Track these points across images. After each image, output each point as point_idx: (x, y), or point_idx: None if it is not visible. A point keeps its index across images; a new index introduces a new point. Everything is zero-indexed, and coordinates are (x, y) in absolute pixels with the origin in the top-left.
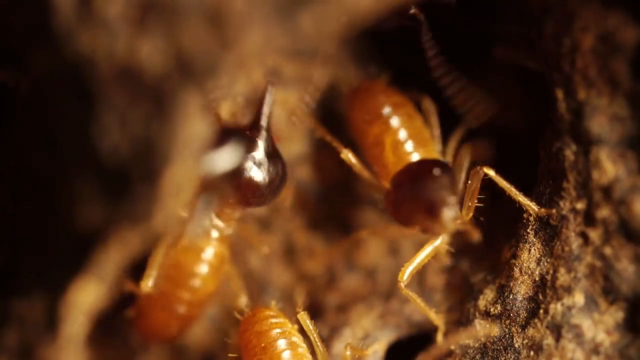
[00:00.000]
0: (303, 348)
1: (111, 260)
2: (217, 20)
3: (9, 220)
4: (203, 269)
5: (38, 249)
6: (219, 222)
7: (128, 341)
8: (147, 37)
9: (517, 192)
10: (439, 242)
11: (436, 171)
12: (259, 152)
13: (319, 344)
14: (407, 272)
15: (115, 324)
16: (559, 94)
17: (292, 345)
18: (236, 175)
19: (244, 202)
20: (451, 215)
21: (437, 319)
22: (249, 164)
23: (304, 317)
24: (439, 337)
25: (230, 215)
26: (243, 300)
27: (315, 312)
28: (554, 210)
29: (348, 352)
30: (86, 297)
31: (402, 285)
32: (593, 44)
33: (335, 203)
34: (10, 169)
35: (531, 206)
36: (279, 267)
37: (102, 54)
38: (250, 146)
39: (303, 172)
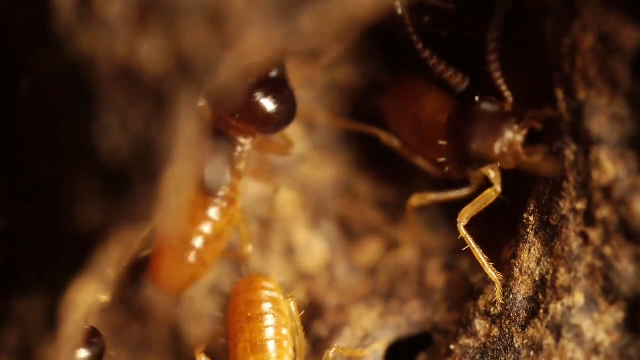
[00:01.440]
0: (287, 330)
1: (111, 260)
2: (217, 20)
3: (9, 220)
4: (218, 199)
5: (38, 249)
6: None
7: (128, 340)
8: (147, 37)
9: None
10: (496, 188)
11: (477, 100)
12: (271, 76)
13: (300, 331)
14: (466, 214)
15: (115, 323)
16: (559, 94)
17: (277, 323)
18: (248, 97)
19: (254, 125)
20: (514, 129)
21: (494, 273)
22: (261, 87)
23: (289, 304)
24: (498, 292)
25: (243, 146)
26: (249, 248)
27: (315, 312)
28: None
29: (332, 354)
30: (86, 297)
31: (461, 225)
32: (593, 44)
33: (335, 203)
34: (10, 169)
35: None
36: (278, 267)
37: (102, 54)
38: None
39: (303, 172)
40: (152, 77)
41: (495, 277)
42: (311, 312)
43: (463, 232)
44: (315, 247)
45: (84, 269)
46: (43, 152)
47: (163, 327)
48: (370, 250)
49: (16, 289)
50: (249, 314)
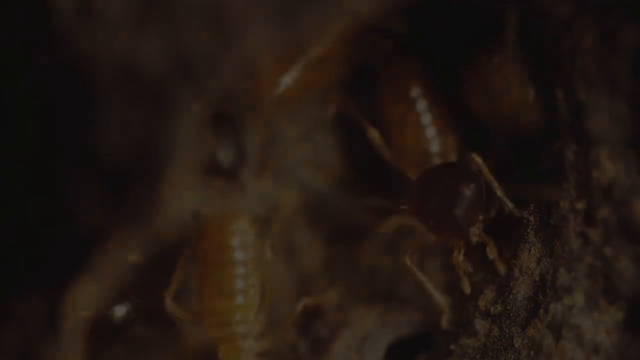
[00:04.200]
0: (252, 266)
1: (111, 260)
2: (217, 20)
3: (9, 219)
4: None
5: (38, 249)
6: None
7: (128, 341)
8: (147, 37)
9: (498, 186)
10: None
11: (467, 189)
12: None
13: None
14: (409, 249)
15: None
16: (559, 94)
17: (246, 261)
18: None
19: None
20: (477, 231)
21: (442, 300)
22: None
23: (262, 243)
24: (444, 322)
25: None
26: None
27: (315, 312)
28: (524, 213)
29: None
30: (86, 297)
31: (407, 259)
32: (593, 44)
33: (335, 203)
34: (11, 169)
35: (507, 203)
36: (278, 267)
37: (102, 54)
38: None
39: (303, 172)
40: (152, 77)
41: (442, 303)
42: (311, 312)
43: (408, 265)
44: (315, 247)
45: (84, 269)
46: (43, 152)
47: (163, 326)
48: (370, 250)
49: (16, 289)
50: (215, 247)
